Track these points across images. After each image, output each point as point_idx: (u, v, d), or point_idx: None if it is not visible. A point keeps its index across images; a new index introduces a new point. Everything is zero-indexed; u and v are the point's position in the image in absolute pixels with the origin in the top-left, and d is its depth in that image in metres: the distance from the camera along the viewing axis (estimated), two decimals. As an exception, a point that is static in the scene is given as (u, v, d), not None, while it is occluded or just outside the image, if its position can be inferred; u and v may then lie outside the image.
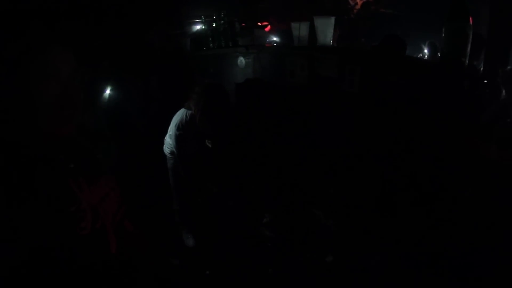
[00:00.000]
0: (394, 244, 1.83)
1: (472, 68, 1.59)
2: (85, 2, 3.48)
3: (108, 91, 2.83)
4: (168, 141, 2.50)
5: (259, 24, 5.41)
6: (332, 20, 2.05)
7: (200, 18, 3.90)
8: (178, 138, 2.32)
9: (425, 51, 3.77)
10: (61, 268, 0.72)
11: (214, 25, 2.87)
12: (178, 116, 2.37)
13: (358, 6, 7.38)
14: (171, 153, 2.59)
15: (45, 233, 0.70)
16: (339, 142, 1.98)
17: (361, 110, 1.89)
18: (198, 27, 4.38)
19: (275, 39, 5.23)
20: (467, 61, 1.51)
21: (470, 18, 1.48)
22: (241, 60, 2.59)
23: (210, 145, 2.65)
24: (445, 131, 1.57)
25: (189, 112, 2.32)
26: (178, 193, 2.68)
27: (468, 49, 1.50)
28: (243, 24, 3.22)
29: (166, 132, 2.55)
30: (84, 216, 0.78)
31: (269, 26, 5.55)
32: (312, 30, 2.10)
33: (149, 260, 1.03)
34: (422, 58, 2.69)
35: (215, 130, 2.41)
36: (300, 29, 2.10)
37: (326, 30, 2.05)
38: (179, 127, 2.31)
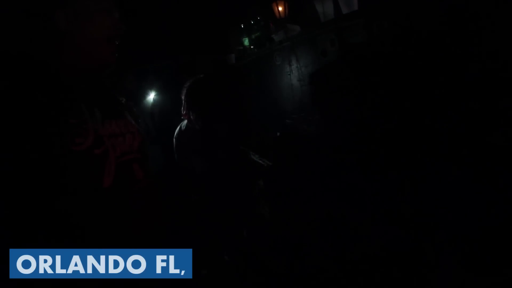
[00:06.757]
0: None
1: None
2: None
3: (152, 97, 3.06)
4: None
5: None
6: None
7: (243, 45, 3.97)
8: (175, 149, 2.20)
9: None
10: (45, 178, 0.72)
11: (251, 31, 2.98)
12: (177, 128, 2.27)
13: None
14: None
15: (39, 134, 0.73)
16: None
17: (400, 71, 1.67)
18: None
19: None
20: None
21: None
22: (276, 56, 2.60)
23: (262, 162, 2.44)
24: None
25: (185, 122, 2.18)
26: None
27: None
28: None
29: None
30: (82, 133, 0.79)
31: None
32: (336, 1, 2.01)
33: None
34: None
35: (207, 125, 2.22)
36: (324, 5, 2.03)
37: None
38: (175, 137, 2.19)
